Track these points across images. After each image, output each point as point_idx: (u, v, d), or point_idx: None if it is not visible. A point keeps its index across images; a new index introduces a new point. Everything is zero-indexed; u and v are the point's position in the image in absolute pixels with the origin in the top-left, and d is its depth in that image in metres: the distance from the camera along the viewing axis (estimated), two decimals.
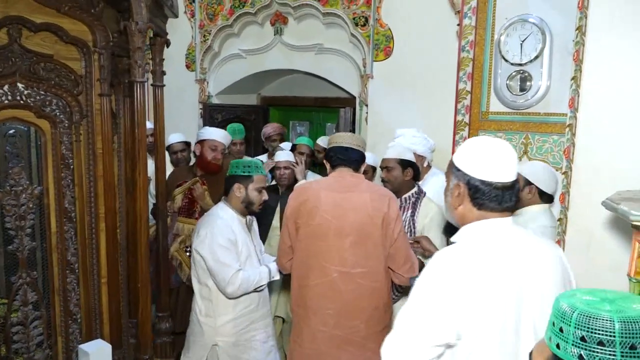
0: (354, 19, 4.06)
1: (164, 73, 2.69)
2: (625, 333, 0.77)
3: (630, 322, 0.77)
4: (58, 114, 2.23)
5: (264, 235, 3.30)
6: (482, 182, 1.39)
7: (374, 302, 2.29)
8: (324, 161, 2.50)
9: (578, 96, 1.68)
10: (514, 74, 2.55)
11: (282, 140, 4.45)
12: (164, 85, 2.69)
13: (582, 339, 0.79)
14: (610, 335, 0.77)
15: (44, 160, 2.24)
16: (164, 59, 2.70)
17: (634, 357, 0.76)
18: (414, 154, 3.02)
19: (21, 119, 2.17)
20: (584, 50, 1.65)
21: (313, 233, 2.30)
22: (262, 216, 3.05)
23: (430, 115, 3.46)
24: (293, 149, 3.94)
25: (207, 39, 5.15)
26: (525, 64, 2.50)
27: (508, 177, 1.41)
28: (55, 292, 2.32)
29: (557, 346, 0.83)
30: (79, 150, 2.30)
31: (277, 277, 2.64)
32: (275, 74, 5.28)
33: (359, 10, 4.02)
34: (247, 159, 2.84)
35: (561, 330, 0.83)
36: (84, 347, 2.24)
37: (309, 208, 2.30)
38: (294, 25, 4.58)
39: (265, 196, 2.66)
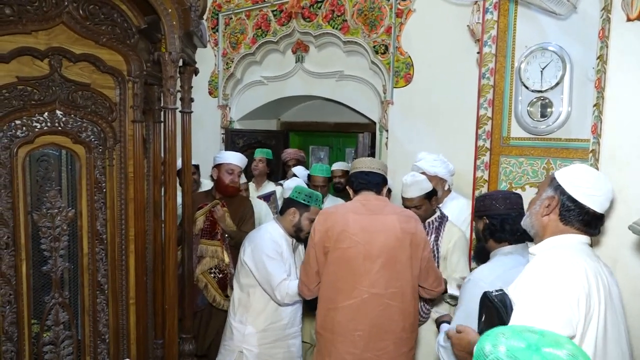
0: (374, 47, 4.15)
1: (192, 100, 2.78)
2: None
3: None
4: (93, 139, 2.33)
5: None
6: (577, 203, 1.51)
7: (401, 323, 2.31)
8: (347, 187, 2.55)
9: (601, 122, 1.72)
10: (534, 100, 2.59)
11: (300, 164, 4.54)
12: (192, 112, 2.78)
13: None
14: None
15: (78, 184, 2.33)
16: (192, 87, 2.80)
17: None
18: (436, 176, 3.06)
19: (58, 145, 2.27)
20: (605, 78, 1.69)
21: (342, 256, 2.32)
22: None
23: (451, 140, 3.50)
24: (308, 179, 4.01)
25: (230, 67, 5.30)
26: (546, 90, 2.54)
27: (601, 208, 1.53)
28: (85, 313, 2.37)
29: None
30: (112, 174, 2.38)
31: None
32: (296, 100, 5.38)
33: (379, 38, 4.11)
34: (310, 189, 2.99)
35: None
36: None
37: (338, 232, 2.32)
38: (315, 53, 4.69)
39: None
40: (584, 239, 1.54)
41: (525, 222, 1.64)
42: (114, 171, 2.39)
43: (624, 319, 1.49)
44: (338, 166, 4.17)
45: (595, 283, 1.42)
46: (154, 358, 2.58)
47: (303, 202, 2.74)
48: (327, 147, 5.91)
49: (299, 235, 2.79)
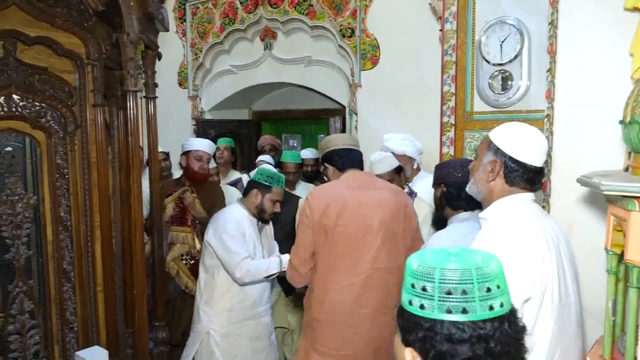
0: (340, 30, 4.16)
1: (156, 85, 2.75)
2: (443, 280, 0.83)
3: (450, 270, 0.83)
4: (53, 124, 2.29)
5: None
6: (519, 162, 1.51)
7: (398, 295, 2.29)
8: (327, 165, 2.44)
9: (554, 87, 1.75)
10: (495, 73, 2.64)
11: (276, 150, 4.53)
12: (157, 97, 2.74)
13: (412, 285, 0.88)
14: (431, 281, 0.84)
15: (39, 170, 2.28)
16: (155, 72, 2.76)
17: (450, 302, 0.82)
18: (404, 155, 3.09)
19: (17, 130, 2.22)
20: (556, 43, 1.72)
21: (343, 234, 2.22)
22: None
23: (418, 119, 3.54)
24: (280, 165, 3.99)
25: (199, 57, 5.25)
26: (506, 63, 2.59)
27: (540, 162, 1.54)
28: (51, 301, 2.34)
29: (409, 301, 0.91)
30: (74, 160, 2.35)
31: None
32: (266, 88, 5.36)
33: (345, 22, 4.13)
34: (273, 169, 2.95)
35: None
36: (81, 353, 2.25)
37: (337, 209, 2.22)
38: (283, 39, 4.69)
39: (277, 208, 2.78)
40: (530, 196, 1.56)
41: (471, 190, 1.65)
42: (76, 157, 2.35)
43: (573, 269, 1.53)
44: (308, 154, 4.17)
45: (545, 241, 1.45)
46: (126, 346, 2.55)
47: (265, 183, 2.73)
48: (299, 135, 5.92)
49: (263, 217, 2.79)
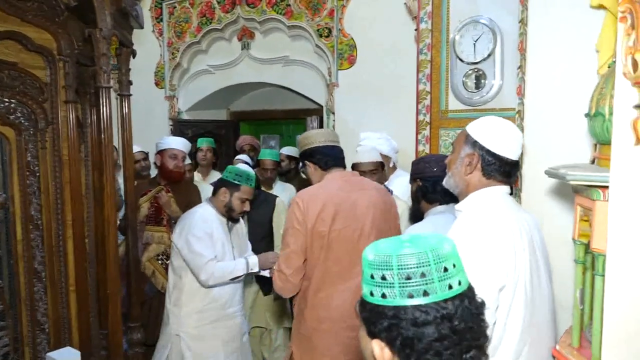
0: (318, 30, 4.19)
1: (130, 83, 2.71)
2: (401, 266, 0.84)
3: (406, 255, 0.84)
4: (23, 121, 2.24)
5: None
6: (496, 156, 1.52)
7: None
8: (308, 163, 2.32)
9: (524, 84, 1.79)
10: (469, 72, 2.69)
11: (255, 150, 4.52)
12: (131, 95, 2.71)
13: (371, 276, 0.88)
14: (389, 269, 0.85)
15: (9, 168, 2.23)
16: (130, 69, 2.73)
17: (410, 286, 0.83)
18: (380, 154, 3.12)
19: None
20: (526, 40, 1.76)
21: (337, 238, 2.14)
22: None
23: (394, 117, 3.58)
24: (258, 164, 3.98)
25: (176, 56, 5.21)
26: (479, 62, 2.64)
27: (516, 155, 1.55)
28: (22, 302, 2.28)
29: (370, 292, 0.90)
30: (45, 158, 2.30)
31: (255, 269, 2.65)
32: (245, 89, 5.35)
33: (322, 22, 4.16)
34: (242, 168, 2.89)
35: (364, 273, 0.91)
36: (53, 354, 2.20)
37: (331, 213, 2.13)
38: (261, 39, 4.69)
39: (247, 207, 2.72)
40: (505, 189, 1.56)
41: (448, 183, 1.65)
42: (47, 154, 2.31)
43: (546, 261, 1.56)
44: (284, 151, 4.18)
45: (518, 233, 1.47)
46: (99, 347, 2.51)
47: (233, 181, 2.68)
48: (277, 135, 5.92)
49: (232, 215, 2.72)
